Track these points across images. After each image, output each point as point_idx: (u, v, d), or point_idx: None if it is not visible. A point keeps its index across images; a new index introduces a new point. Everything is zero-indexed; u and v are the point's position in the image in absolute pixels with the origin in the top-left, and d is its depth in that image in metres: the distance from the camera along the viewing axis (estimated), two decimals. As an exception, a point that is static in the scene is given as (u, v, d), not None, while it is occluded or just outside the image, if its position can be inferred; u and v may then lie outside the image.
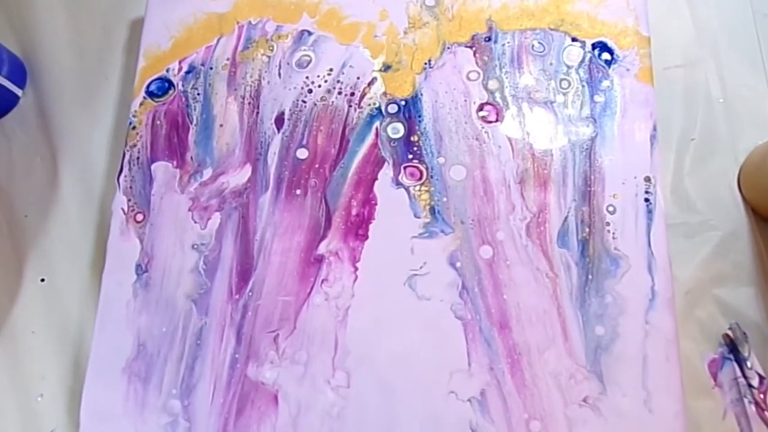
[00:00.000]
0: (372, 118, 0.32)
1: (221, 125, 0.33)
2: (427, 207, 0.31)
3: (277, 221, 0.31)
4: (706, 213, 0.36)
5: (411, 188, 0.31)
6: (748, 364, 0.33)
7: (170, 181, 0.32)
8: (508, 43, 0.33)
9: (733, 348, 0.33)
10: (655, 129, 0.31)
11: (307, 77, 0.33)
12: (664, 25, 0.40)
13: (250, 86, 0.33)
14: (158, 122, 0.33)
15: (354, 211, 0.31)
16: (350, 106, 0.33)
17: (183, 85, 0.34)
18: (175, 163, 0.32)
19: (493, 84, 0.32)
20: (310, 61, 0.34)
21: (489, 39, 0.33)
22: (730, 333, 0.34)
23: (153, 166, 0.32)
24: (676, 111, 0.39)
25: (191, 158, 0.32)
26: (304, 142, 0.32)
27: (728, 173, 0.37)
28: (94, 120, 0.40)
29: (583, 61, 0.32)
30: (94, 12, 0.43)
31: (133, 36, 0.42)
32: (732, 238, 0.36)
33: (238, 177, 0.32)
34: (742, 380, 0.33)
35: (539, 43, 0.33)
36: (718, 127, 0.38)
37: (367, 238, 0.30)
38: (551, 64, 0.32)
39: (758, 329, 0.34)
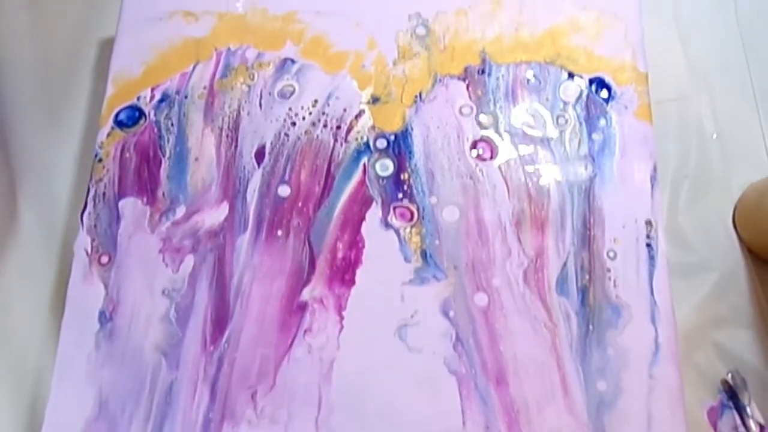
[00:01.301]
0: (359, 153, 0.30)
1: (196, 159, 0.30)
2: (419, 250, 0.29)
3: (257, 265, 0.29)
4: (703, 252, 0.35)
5: (401, 230, 0.29)
6: (748, 411, 0.32)
7: (139, 220, 0.29)
8: (503, 76, 0.32)
9: (732, 395, 0.32)
10: (655, 170, 0.30)
11: (290, 108, 0.31)
12: (657, 58, 0.40)
13: (229, 117, 0.31)
14: (127, 155, 0.31)
15: (340, 255, 0.29)
16: (336, 140, 0.31)
17: (155, 115, 0.31)
18: (145, 199, 0.30)
19: (486, 119, 0.31)
20: (293, 92, 0.32)
21: (483, 71, 0.32)
22: (729, 380, 0.32)
23: (121, 203, 0.30)
24: (670, 146, 0.38)
25: (163, 195, 0.30)
26: (287, 178, 0.30)
27: (723, 211, 0.36)
28: (58, 147, 0.37)
29: (580, 97, 0.31)
30: (61, 29, 0.41)
31: (103, 56, 0.39)
32: (729, 279, 0.35)
33: (215, 216, 0.29)
34: (742, 429, 0.32)
35: (535, 77, 0.32)
36: (712, 164, 0.37)
37: (354, 284, 0.28)
38: (547, 99, 0.31)
39: (757, 375, 0.33)
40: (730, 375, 0.32)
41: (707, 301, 0.34)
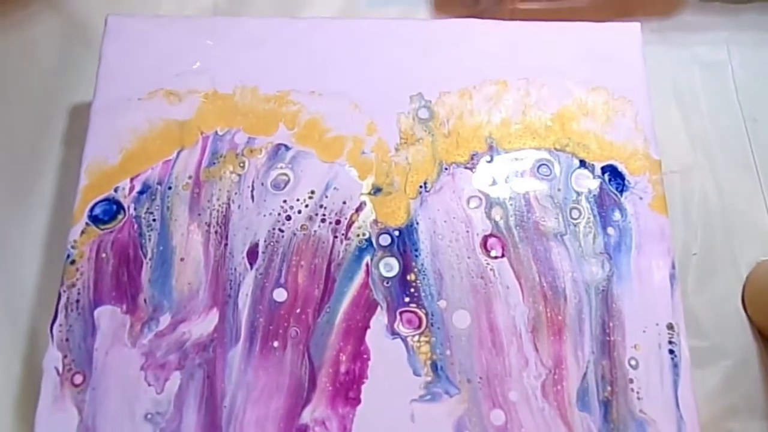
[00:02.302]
0: (361, 251, 0.28)
1: (182, 259, 0.28)
2: (429, 362, 0.26)
3: (251, 382, 0.26)
4: (715, 337, 0.34)
5: (409, 338, 0.27)
6: None
7: (118, 331, 0.26)
8: (512, 164, 0.30)
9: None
10: (674, 267, 0.28)
11: (284, 201, 0.29)
12: (658, 130, 0.39)
13: (218, 211, 0.29)
14: (104, 255, 0.28)
15: (343, 368, 0.26)
16: (336, 236, 0.28)
17: (135, 209, 0.28)
18: (124, 307, 0.27)
19: (497, 212, 0.29)
20: (288, 182, 0.29)
21: (491, 159, 0.30)
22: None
23: (96, 312, 0.27)
24: (676, 222, 0.37)
25: (145, 301, 0.27)
26: (282, 280, 0.27)
27: (733, 291, 0.35)
28: (24, 226, 0.34)
29: (593, 187, 0.30)
30: (28, 94, 0.37)
31: (74, 124, 0.36)
32: (742, 367, 0.33)
33: (203, 325, 0.27)
34: None
35: (545, 165, 0.30)
36: (718, 240, 0.36)
37: (359, 402, 0.26)
38: (559, 190, 0.29)
39: (774, 469, 0.32)
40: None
41: (721, 390, 0.33)
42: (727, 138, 0.39)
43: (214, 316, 0.27)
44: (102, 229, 0.28)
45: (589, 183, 0.30)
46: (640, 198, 0.29)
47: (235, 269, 0.28)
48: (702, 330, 0.34)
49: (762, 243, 0.36)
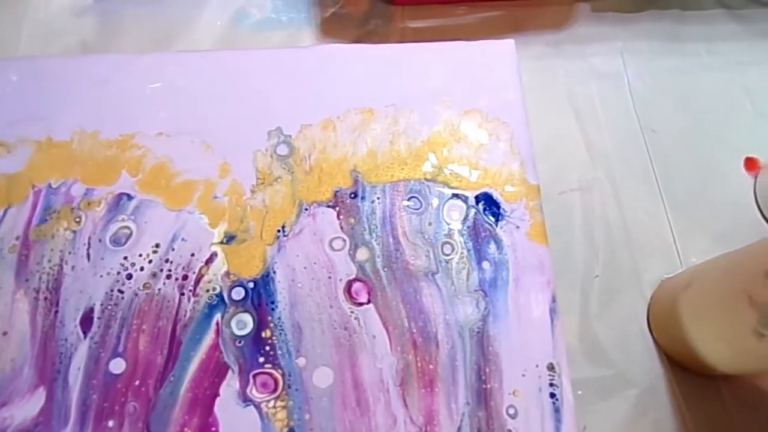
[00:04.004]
0: (211, 308, 0.25)
1: (4, 333, 0.24)
2: (285, 429, 0.24)
3: (81, 470, 0.23)
4: (620, 364, 0.32)
5: (263, 404, 0.24)
6: None
7: (-75, 424, 0.23)
8: (378, 199, 0.28)
9: None
10: (554, 300, 0.26)
11: (125, 258, 0.26)
12: (557, 146, 0.37)
13: (48, 275, 0.25)
14: None
15: (188, 445, 0.23)
16: (182, 294, 0.25)
17: (-48, 279, 0.25)
18: (-66, 395, 0.23)
19: (362, 254, 0.26)
20: (129, 235, 0.26)
21: (355, 195, 0.28)
22: None
23: None
24: (576, 242, 0.35)
25: (-42, 386, 0.24)
26: (121, 349, 0.24)
27: (637, 313, 0.33)
28: None
29: (466, 218, 0.27)
30: None
31: None
32: (650, 394, 0.31)
33: (27, 408, 0.23)
34: None
35: (415, 198, 0.28)
36: (621, 259, 0.35)
37: (205, 483, 0.23)
38: (430, 224, 0.27)
39: (687, 503, 0.30)
40: None
41: (629, 421, 0.31)
42: (626, 151, 0.38)
43: (40, 396, 0.24)
44: None
45: (462, 214, 0.27)
46: (517, 227, 0.27)
47: (66, 339, 0.24)
48: (606, 357, 0.32)
49: (665, 259, 0.35)
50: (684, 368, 0.32)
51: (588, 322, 0.33)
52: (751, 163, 0.38)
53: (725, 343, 0.27)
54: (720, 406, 0.31)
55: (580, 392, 0.31)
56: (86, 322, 0.25)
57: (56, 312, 0.25)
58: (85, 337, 0.25)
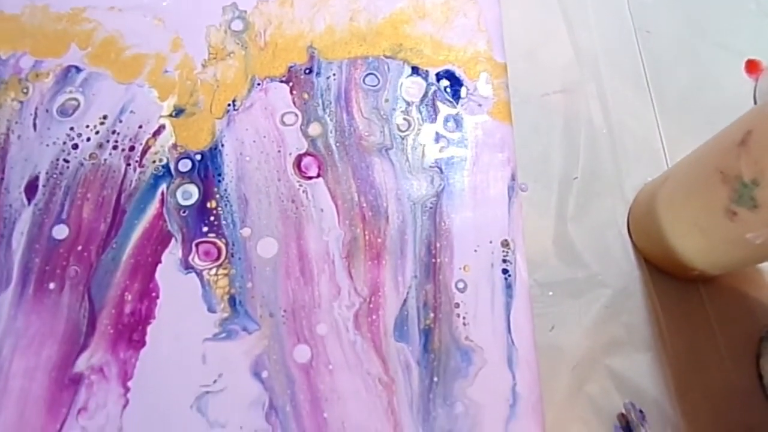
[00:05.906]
0: (157, 179, 0.25)
1: (-50, 198, 0.24)
2: (226, 297, 0.23)
3: (21, 329, 0.23)
4: (594, 266, 0.31)
5: (205, 272, 0.23)
6: (647, 449, 0.27)
7: None
8: (334, 75, 0.26)
9: (629, 431, 0.28)
10: (513, 178, 0.25)
11: (71, 128, 0.25)
12: (542, 47, 0.35)
13: (-6, 143, 0.25)
14: None
15: (128, 309, 0.23)
16: (128, 164, 0.25)
17: None
18: None
19: (314, 129, 0.25)
20: (77, 107, 0.26)
21: (310, 71, 0.26)
22: (625, 413, 0.28)
23: None
24: (555, 145, 0.33)
25: None
26: (64, 216, 0.24)
27: (617, 217, 0.32)
28: None
29: (425, 95, 0.26)
30: None
31: None
32: (624, 296, 0.30)
33: (-30, 269, 0.23)
34: (640, 470, 0.27)
35: (372, 74, 0.26)
36: (603, 163, 0.33)
37: (144, 344, 0.22)
38: (387, 101, 0.26)
39: (656, 405, 0.28)
40: (626, 408, 0.28)
41: (600, 322, 0.30)
42: (616, 52, 0.36)
43: (-17, 258, 0.24)
44: None
45: (421, 91, 0.26)
46: (479, 105, 0.26)
47: (11, 206, 0.24)
48: (581, 260, 0.31)
49: (651, 163, 0.33)
50: (663, 272, 0.30)
51: (563, 224, 0.32)
52: (752, 66, 0.35)
53: (699, 231, 0.25)
54: (699, 309, 0.30)
55: (551, 293, 0.30)
56: (31, 189, 0.24)
57: (1, 179, 0.25)
58: (29, 204, 0.24)
